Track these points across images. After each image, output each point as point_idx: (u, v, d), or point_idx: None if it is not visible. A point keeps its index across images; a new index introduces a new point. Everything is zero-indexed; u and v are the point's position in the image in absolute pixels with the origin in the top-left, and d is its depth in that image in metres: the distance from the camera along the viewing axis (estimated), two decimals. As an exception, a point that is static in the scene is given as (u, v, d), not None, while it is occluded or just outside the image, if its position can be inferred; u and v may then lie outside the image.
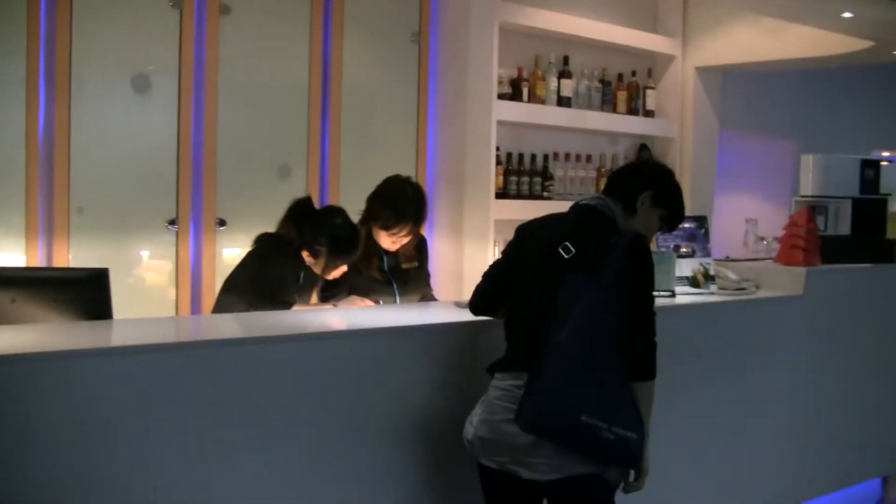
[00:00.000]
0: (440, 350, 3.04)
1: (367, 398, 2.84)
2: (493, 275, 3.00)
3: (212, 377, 2.51)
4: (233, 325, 3.04)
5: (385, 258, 4.02)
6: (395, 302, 4.00)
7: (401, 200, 3.87)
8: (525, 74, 5.81)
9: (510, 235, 3.01)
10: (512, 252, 2.94)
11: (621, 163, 6.45)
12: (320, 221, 3.70)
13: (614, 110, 6.37)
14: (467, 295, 5.34)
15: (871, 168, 4.71)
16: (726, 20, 6.47)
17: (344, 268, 3.73)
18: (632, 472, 2.73)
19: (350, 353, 2.82)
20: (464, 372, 3.04)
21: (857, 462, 4.87)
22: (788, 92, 8.14)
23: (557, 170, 6.04)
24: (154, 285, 4.68)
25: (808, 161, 4.61)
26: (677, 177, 3.07)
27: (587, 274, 2.66)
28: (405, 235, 3.92)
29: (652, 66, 6.70)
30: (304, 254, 3.69)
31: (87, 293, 2.85)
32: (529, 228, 2.94)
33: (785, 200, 8.26)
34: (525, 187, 5.82)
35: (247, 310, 3.46)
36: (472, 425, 2.77)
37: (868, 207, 4.70)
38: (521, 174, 5.81)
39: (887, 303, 4.75)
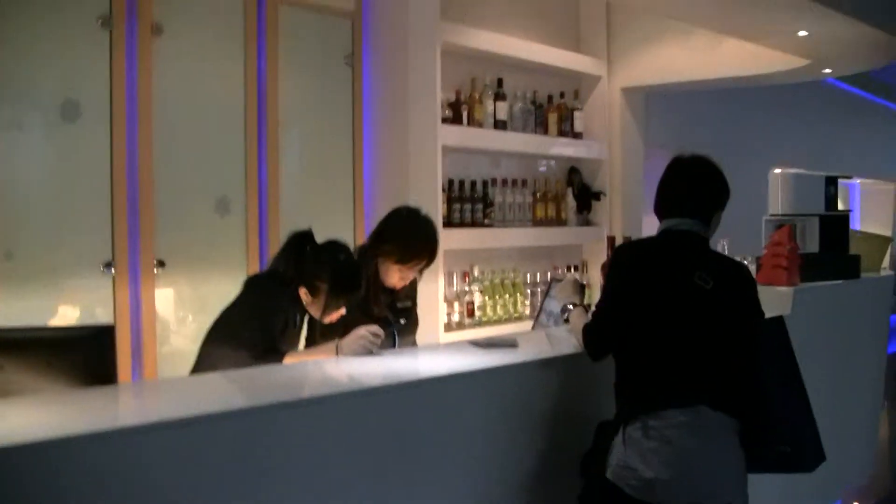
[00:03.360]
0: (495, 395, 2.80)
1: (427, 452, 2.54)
2: (617, 314, 2.84)
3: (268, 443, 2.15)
4: (266, 383, 2.66)
5: (381, 295, 3.71)
6: (395, 344, 3.68)
7: (415, 232, 3.61)
8: (463, 97, 5.58)
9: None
10: (635, 287, 2.82)
11: (554, 187, 6.29)
12: (322, 256, 3.34)
13: (546, 132, 6.21)
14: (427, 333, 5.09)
15: (832, 185, 4.68)
16: (653, 39, 6.41)
17: (342, 311, 3.38)
18: None
19: (402, 405, 2.51)
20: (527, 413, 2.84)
21: (832, 481, 4.82)
22: (701, 109, 8.20)
23: (496, 195, 5.82)
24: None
25: (776, 178, 4.54)
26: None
27: (736, 303, 2.85)
28: (418, 269, 3.69)
29: (578, 88, 6.57)
30: (302, 291, 3.31)
31: (88, 355, 2.42)
32: (643, 259, 2.90)
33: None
34: (468, 215, 5.57)
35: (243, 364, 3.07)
36: (643, 469, 2.67)
37: (833, 224, 4.67)
38: (463, 201, 5.55)
39: (858, 317, 4.74)
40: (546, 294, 4.51)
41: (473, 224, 5.58)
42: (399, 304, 3.78)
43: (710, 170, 3.01)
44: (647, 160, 6.96)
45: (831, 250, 4.63)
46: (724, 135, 8.59)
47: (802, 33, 4.91)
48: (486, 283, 5.69)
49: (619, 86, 6.57)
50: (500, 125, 5.78)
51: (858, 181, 12.80)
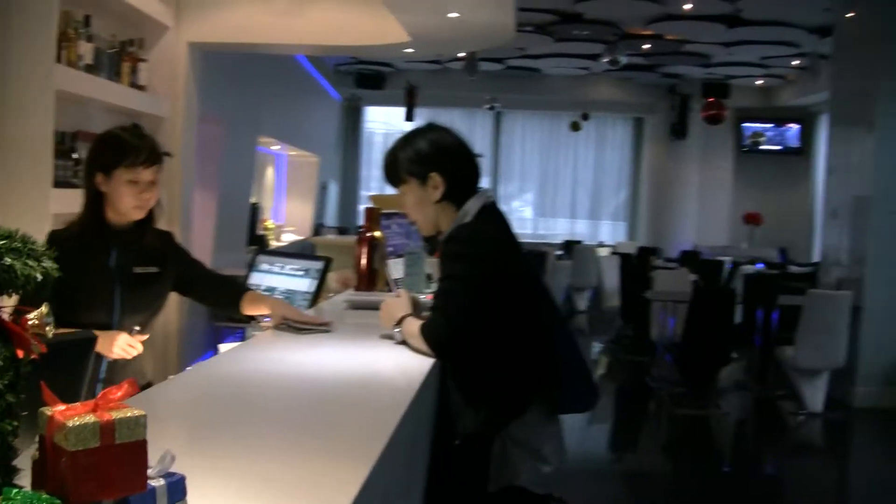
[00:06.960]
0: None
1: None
2: (479, 309, 2.55)
3: None
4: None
5: (113, 253, 2.93)
6: (112, 319, 2.89)
7: (125, 130, 3.01)
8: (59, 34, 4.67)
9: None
10: (504, 280, 2.59)
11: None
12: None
13: (120, 82, 5.47)
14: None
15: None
16: (232, -5, 5.98)
17: (150, 176, 2.89)
18: None
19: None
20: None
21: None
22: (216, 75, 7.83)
23: (82, 151, 4.99)
24: None
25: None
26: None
27: None
28: (152, 176, 2.92)
29: (145, 36, 5.88)
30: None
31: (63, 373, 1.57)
32: (503, 241, 2.69)
33: (214, 190, 7.97)
34: (60, 173, 4.69)
35: None
36: (550, 461, 2.56)
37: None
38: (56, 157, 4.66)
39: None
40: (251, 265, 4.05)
41: (67, 184, 4.72)
42: (137, 270, 2.99)
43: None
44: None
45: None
46: (232, 104, 8.32)
47: (453, 15, 4.91)
48: (72, 253, 4.88)
49: (186, 39, 6.02)
50: (87, 69, 4.96)
51: (287, 153, 13.26)
